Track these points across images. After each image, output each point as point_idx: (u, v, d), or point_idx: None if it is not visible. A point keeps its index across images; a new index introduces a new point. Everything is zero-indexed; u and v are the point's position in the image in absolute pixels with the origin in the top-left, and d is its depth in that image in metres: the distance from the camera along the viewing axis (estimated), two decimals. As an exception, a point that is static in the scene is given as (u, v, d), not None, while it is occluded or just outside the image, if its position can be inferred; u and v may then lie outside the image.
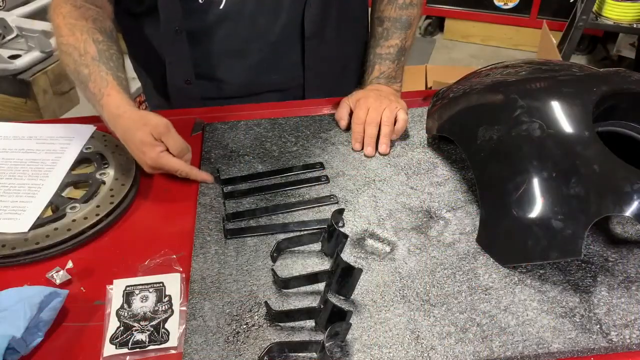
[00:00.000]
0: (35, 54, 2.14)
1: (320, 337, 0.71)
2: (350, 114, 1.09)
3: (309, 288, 0.78)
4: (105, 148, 1.03)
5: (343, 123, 1.09)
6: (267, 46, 1.12)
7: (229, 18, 1.06)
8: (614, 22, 2.92)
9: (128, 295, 0.77)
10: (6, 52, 2.17)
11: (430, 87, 2.57)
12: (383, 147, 1.03)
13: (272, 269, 0.79)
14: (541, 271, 0.80)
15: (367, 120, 1.04)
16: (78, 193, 0.95)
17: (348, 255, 0.83)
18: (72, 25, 0.97)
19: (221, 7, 1.04)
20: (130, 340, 0.72)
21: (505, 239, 0.82)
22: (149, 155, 0.90)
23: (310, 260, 0.83)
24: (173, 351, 0.72)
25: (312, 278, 0.78)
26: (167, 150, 0.92)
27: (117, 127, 0.92)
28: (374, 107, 1.06)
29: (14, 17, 2.35)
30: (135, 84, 1.50)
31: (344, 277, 0.74)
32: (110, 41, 0.98)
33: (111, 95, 0.92)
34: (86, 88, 0.94)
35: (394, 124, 1.04)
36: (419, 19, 1.19)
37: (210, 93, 1.17)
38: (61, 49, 0.98)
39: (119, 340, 0.72)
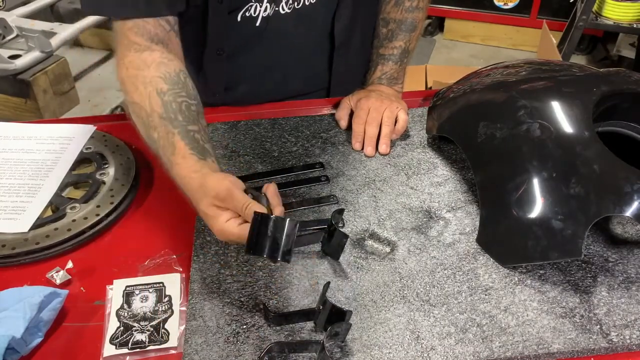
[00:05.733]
0: (35, 54, 2.14)
1: (320, 337, 0.70)
2: (351, 114, 1.09)
3: (309, 288, 0.78)
4: (105, 148, 1.03)
5: (343, 123, 1.10)
6: (297, 59, 1.13)
7: (264, 35, 1.06)
8: (614, 22, 2.92)
9: (128, 295, 0.77)
10: (6, 52, 2.17)
11: (430, 87, 2.57)
12: (383, 147, 1.03)
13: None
14: (541, 271, 0.80)
15: (367, 120, 1.05)
16: (78, 193, 0.95)
17: (348, 255, 0.83)
18: (134, 77, 0.86)
19: (257, 24, 1.04)
20: (130, 341, 0.72)
21: (505, 239, 0.82)
22: (215, 228, 0.75)
23: (310, 260, 0.83)
24: (173, 351, 0.72)
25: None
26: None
27: (186, 196, 0.80)
28: (375, 107, 1.06)
29: (14, 17, 2.35)
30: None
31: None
32: (177, 87, 0.86)
33: (179, 164, 0.80)
34: (158, 155, 0.84)
35: (395, 124, 1.05)
36: (423, 22, 1.19)
37: (233, 102, 1.17)
38: (130, 109, 0.87)
39: (119, 340, 0.72)
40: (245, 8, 1.01)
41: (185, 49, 1.02)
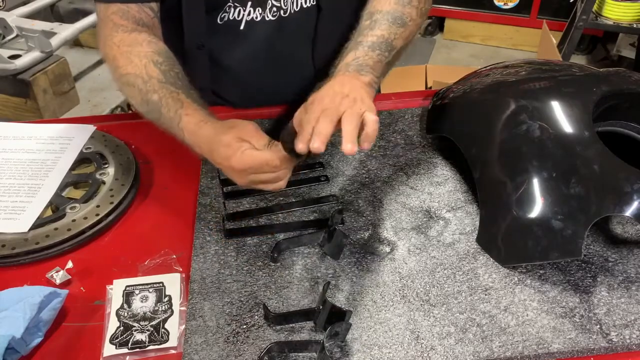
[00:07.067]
0: (35, 54, 2.15)
1: (320, 336, 0.70)
2: None
3: (309, 288, 0.78)
4: (105, 148, 1.03)
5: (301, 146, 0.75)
6: (285, 66, 1.13)
7: (249, 40, 1.06)
8: (614, 22, 2.91)
9: (128, 295, 0.77)
10: (6, 52, 2.17)
11: (430, 87, 2.56)
12: (349, 147, 0.72)
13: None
14: (541, 271, 0.80)
15: (319, 117, 0.76)
16: (78, 193, 0.95)
17: (348, 255, 0.83)
18: (128, 52, 0.90)
19: (241, 28, 1.04)
20: (130, 340, 0.72)
21: (505, 239, 0.82)
22: (234, 158, 0.77)
23: (310, 260, 0.83)
24: (173, 351, 0.72)
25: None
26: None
27: (200, 140, 0.82)
28: (329, 109, 0.76)
29: (14, 17, 2.35)
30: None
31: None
32: (171, 61, 0.91)
33: (189, 114, 0.83)
34: (160, 115, 0.86)
35: (360, 127, 0.76)
36: (418, 27, 0.98)
37: (223, 105, 1.18)
38: (122, 80, 0.90)
39: (119, 340, 0.72)
40: (225, 10, 1.01)
41: (167, 39, 1.02)
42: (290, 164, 0.81)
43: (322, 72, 1.14)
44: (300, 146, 0.75)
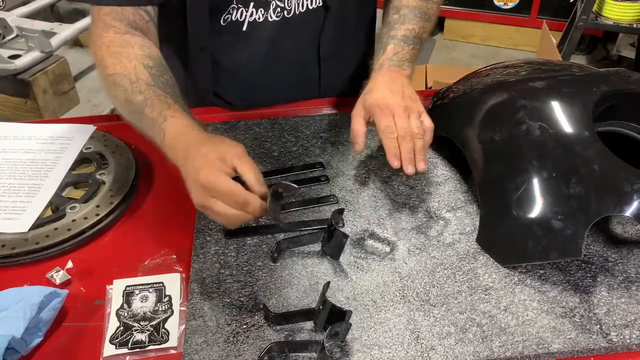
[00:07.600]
0: (35, 54, 2.15)
1: (320, 336, 0.70)
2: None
3: (309, 288, 0.78)
4: (105, 148, 1.03)
5: (359, 147, 0.89)
6: (287, 67, 1.13)
7: (251, 40, 1.06)
8: (614, 22, 2.91)
9: (128, 295, 0.77)
10: (6, 52, 2.17)
11: (430, 87, 2.56)
12: (422, 165, 0.85)
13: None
14: (541, 271, 0.80)
15: (399, 133, 0.86)
16: (78, 193, 0.95)
17: (348, 255, 0.83)
18: (118, 53, 0.87)
19: (244, 29, 1.04)
20: (130, 340, 0.72)
21: (505, 239, 0.82)
22: (203, 171, 0.72)
23: (310, 260, 0.83)
24: (173, 351, 0.72)
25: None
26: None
27: (181, 143, 0.77)
28: (398, 113, 0.87)
29: (14, 17, 2.36)
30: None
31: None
32: (162, 68, 0.89)
33: (176, 116, 0.80)
34: (142, 116, 0.82)
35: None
36: (435, 23, 1.06)
37: (224, 106, 1.17)
38: (108, 80, 0.87)
39: (119, 340, 0.72)
40: (228, 11, 1.01)
41: (169, 40, 1.02)
42: (257, 212, 0.73)
43: (326, 73, 1.14)
44: (394, 162, 0.85)
